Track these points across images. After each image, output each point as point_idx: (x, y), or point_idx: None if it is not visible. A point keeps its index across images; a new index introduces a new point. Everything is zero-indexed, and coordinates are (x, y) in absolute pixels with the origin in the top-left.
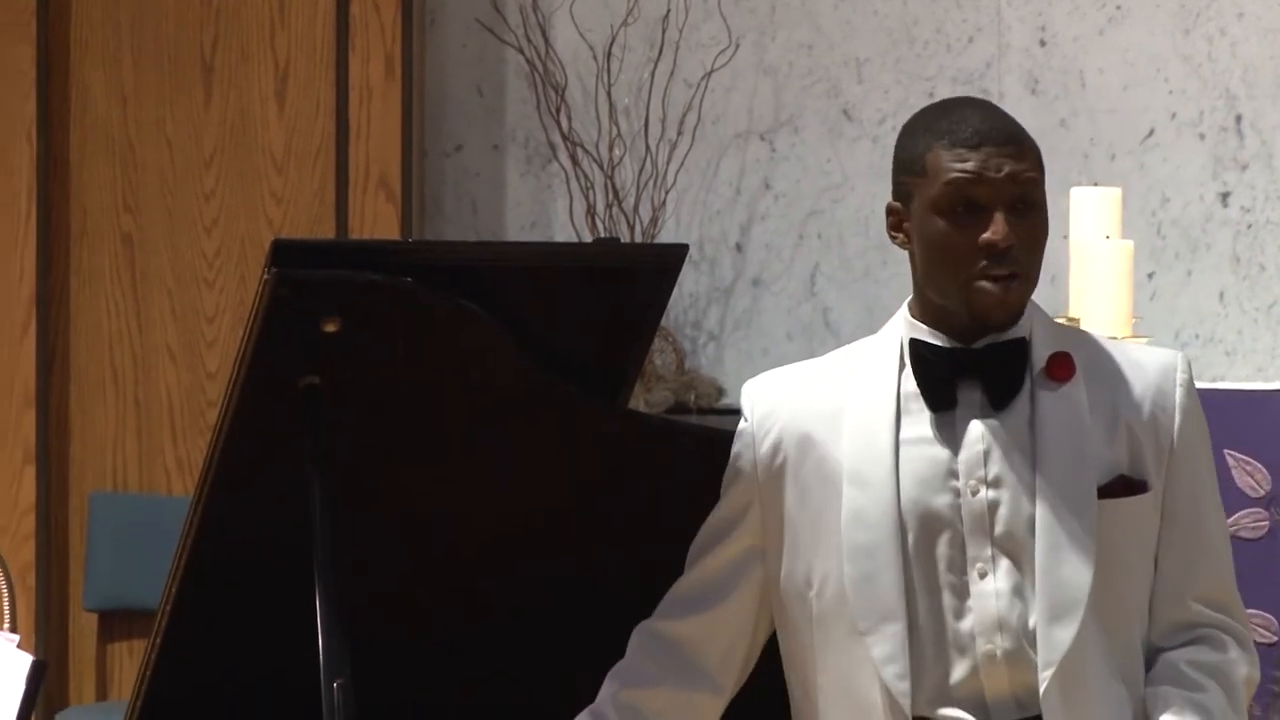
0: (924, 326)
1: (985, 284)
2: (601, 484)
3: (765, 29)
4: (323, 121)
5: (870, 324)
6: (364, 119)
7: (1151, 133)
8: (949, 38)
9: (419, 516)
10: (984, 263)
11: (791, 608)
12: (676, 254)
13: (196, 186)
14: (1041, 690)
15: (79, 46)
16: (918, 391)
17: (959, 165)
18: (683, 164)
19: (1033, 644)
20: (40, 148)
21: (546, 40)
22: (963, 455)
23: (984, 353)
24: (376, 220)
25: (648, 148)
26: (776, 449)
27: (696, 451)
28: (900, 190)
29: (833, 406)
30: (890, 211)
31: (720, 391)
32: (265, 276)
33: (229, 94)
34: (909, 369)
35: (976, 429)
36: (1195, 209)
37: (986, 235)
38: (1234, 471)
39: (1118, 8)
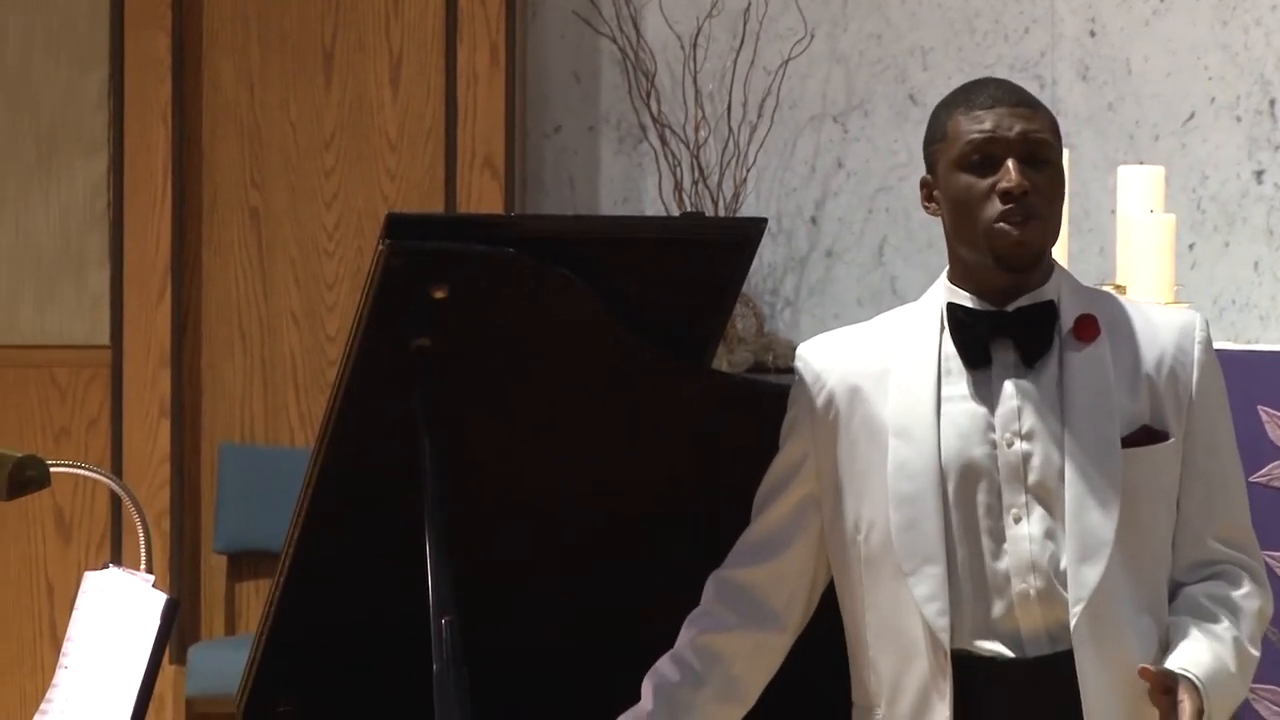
0: (962, 291)
1: (1003, 225)
2: (689, 440)
3: (838, 20)
4: (433, 105)
5: None
6: (471, 103)
7: (1192, 116)
8: (1006, 28)
9: (518, 470)
10: (1002, 208)
11: (843, 551)
12: (756, 227)
13: (317, 164)
14: (1072, 624)
15: (210, 36)
16: (956, 352)
17: (975, 125)
18: (762, 144)
19: (1063, 583)
20: (175, 129)
21: (638, 31)
22: (999, 410)
23: (1015, 315)
24: (482, 196)
25: (730, 129)
26: (829, 405)
27: (775, 407)
28: (929, 160)
29: (879, 366)
30: (923, 184)
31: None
32: (380, 247)
33: (347, 80)
34: (947, 331)
35: (1010, 386)
36: (1232, 186)
37: (1002, 183)
38: (1267, 426)
39: (1161, 1)
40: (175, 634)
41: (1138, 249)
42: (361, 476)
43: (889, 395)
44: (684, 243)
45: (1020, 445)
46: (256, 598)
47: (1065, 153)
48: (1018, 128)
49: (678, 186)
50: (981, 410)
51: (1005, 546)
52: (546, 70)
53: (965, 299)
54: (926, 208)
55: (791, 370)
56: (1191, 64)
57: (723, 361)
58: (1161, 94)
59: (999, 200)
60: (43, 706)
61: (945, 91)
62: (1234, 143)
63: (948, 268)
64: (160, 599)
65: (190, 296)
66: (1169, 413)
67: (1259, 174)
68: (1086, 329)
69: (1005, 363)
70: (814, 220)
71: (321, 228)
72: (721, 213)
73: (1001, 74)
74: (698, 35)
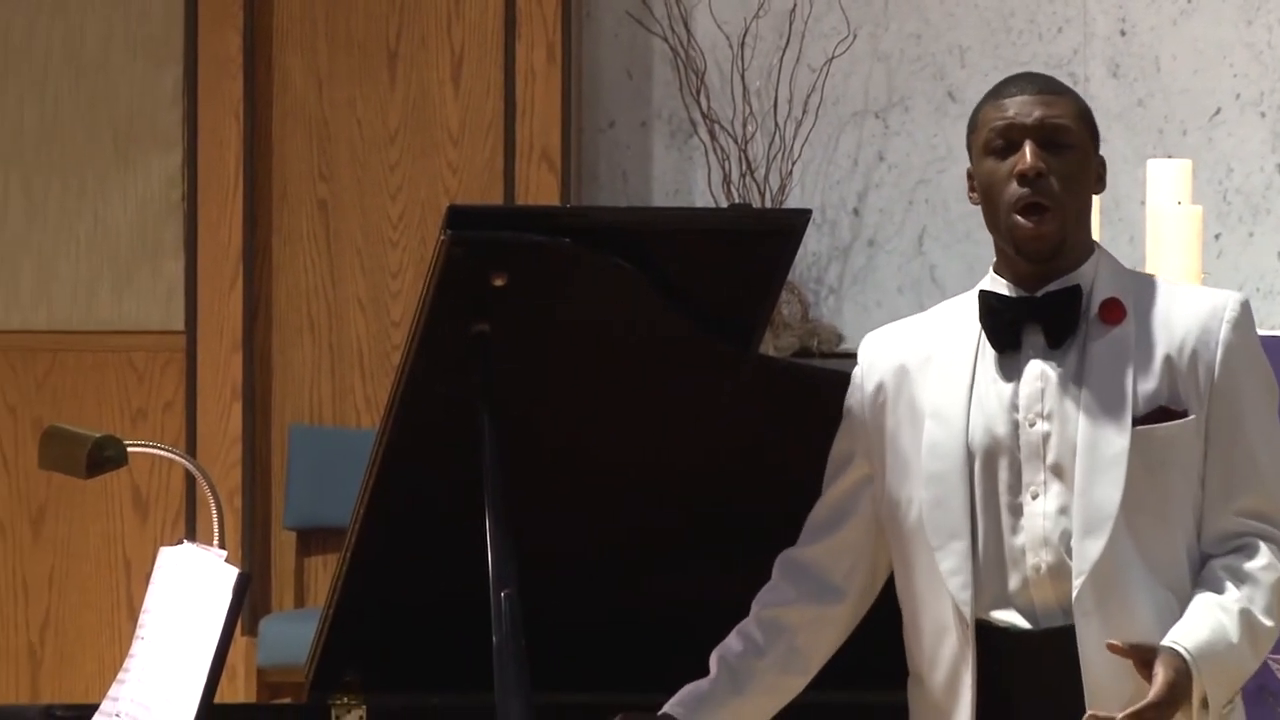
0: (1001, 280)
1: (1019, 218)
2: (738, 423)
3: (879, 21)
4: (493, 101)
5: (970, 279)
6: (529, 99)
7: (1218, 111)
8: (1040, 28)
9: (572, 451)
10: (1020, 191)
11: (888, 528)
12: (801, 218)
13: (382, 158)
14: (1074, 596)
15: (280, 35)
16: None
17: (998, 113)
18: (807, 139)
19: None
20: (246, 125)
21: (688, 30)
22: (1023, 391)
23: (1043, 300)
24: (539, 188)
25: (776, 125)
26: (878, 391)
27: (821, 390)
28: (969, 152)
29: (925, 353)
30: (967, 175)
31: (839, 338)
32: (442, 237)
33: (411, 77)
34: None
35: (1035, 368)
36: (1256, 178)
37: (1018, 166)
38: None
39: (1189, 1)
40: (247, 607)
41: (1166, 239)
42: (424, 456)
43: (929, 379)
44: (732, 233)
45: (1041, 425)
46: (324, 572)
47: None
48: (1037, 113)
49: (726, 179)
50: (1008, 392)
51: (1022, 522)
52: (601, 68)
53: (1002, 287)
54: (970, 198)
55: (834, 355)
56: (1217, 62)
57: (769, 347)
58: (1189, 91)
59: (1016, 182)
60: (120, 675)
61: (982, 88)
62: (1258, 137)
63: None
64: (232, 573)
65: (261, 284)
66: (1190, 392)
67: None
68: (1112, 312)
69: (1034, 346)
70: (856, 211)
71: (386, 218)
72: (768, 204)
73: (1036, 71)
74: (745, 35)
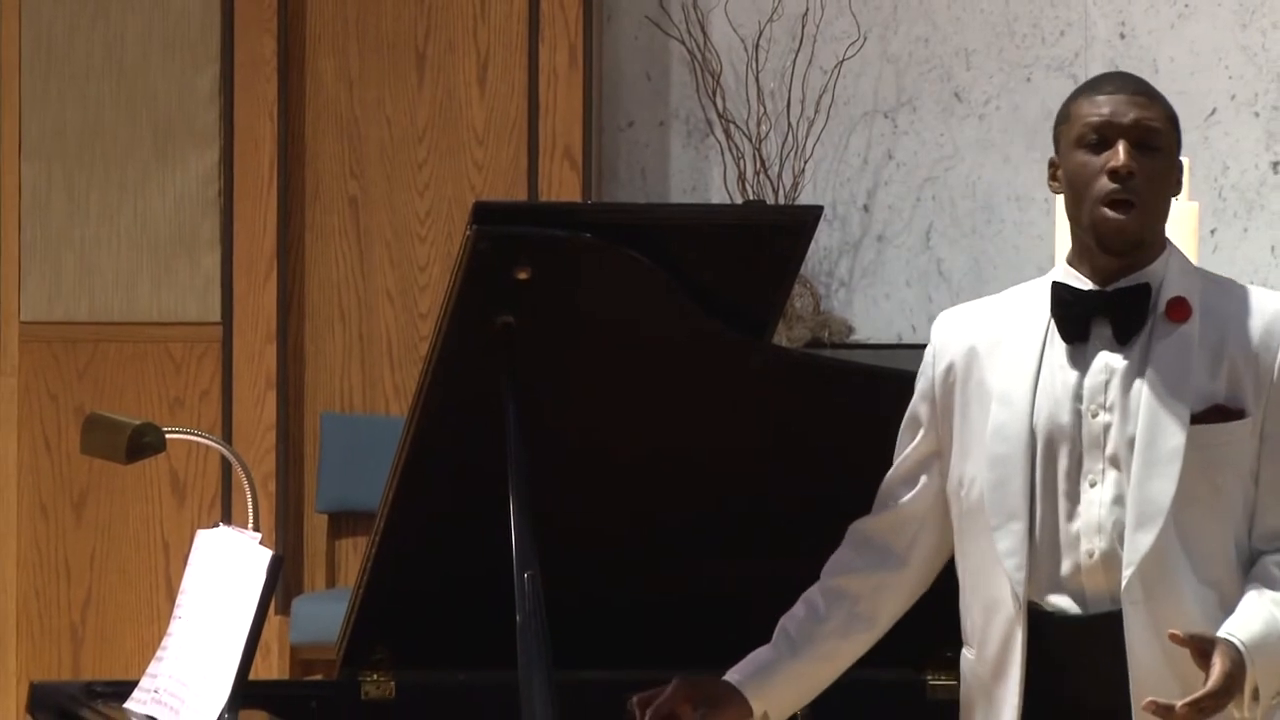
0: (1074, 271)
1: (1106, 210)
2: (753, 411)
3: (889, 24)
4: (517, 102)
5: (976, 272)
6: (552, 100)
7: (1214, 111)
8: (1044, 31)
9: (593, 438)
10: (1110, 187)
11: (952, 504)
12: (813, 214)
13: (411, 156)
14: (1123, 585)
15: (313, 38)
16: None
17: (1094, 109)
18: (819, 138)
19: (1124, 547)
20: (280, 125)
21: (705, 33)
22: (1087, 382)
23: (1114, 295)
24: (561, 186)
25: (789, 124)
26: (949, 371)
27: (831, 380)
28: (1055, 141)
29: (995, 336)
30: (1050, 164)
31: (850, 329)
32: (468, 232)
33: (438, 78)
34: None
35: (1101, 360)
36: (1251, 176)
37: (1111, 162)
38: None
39: (1186, 5)
40: (280, 587)
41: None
42: (450, 442)
43: (998, 362)
44: (747, 228)
45: (1103, 416)
46: (355, 553)
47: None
48: (1133, 114)
49: (741, 177)
50: (1073, 381)
51: (1079, 509)
52: (621, 69)
53: (1075, 279)
54: (1051, 187)
55: (845, 346)
56: (1213, 64)
57: (782, 338)
58: (1186, 91)
59: (1107, 178)
60: (158, 653)
61: (988, 89)
62: (1252, 136)
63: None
64: (266, 555)
65: (294, 277)
66: (1248, 393)
67: (1275, 165)
68: (1178, 310)
69: (1101, 338)
70: (866, 208)
71: (414, 214)
72: (781, 201)
73: (1038, 73)
74: (760, 37)
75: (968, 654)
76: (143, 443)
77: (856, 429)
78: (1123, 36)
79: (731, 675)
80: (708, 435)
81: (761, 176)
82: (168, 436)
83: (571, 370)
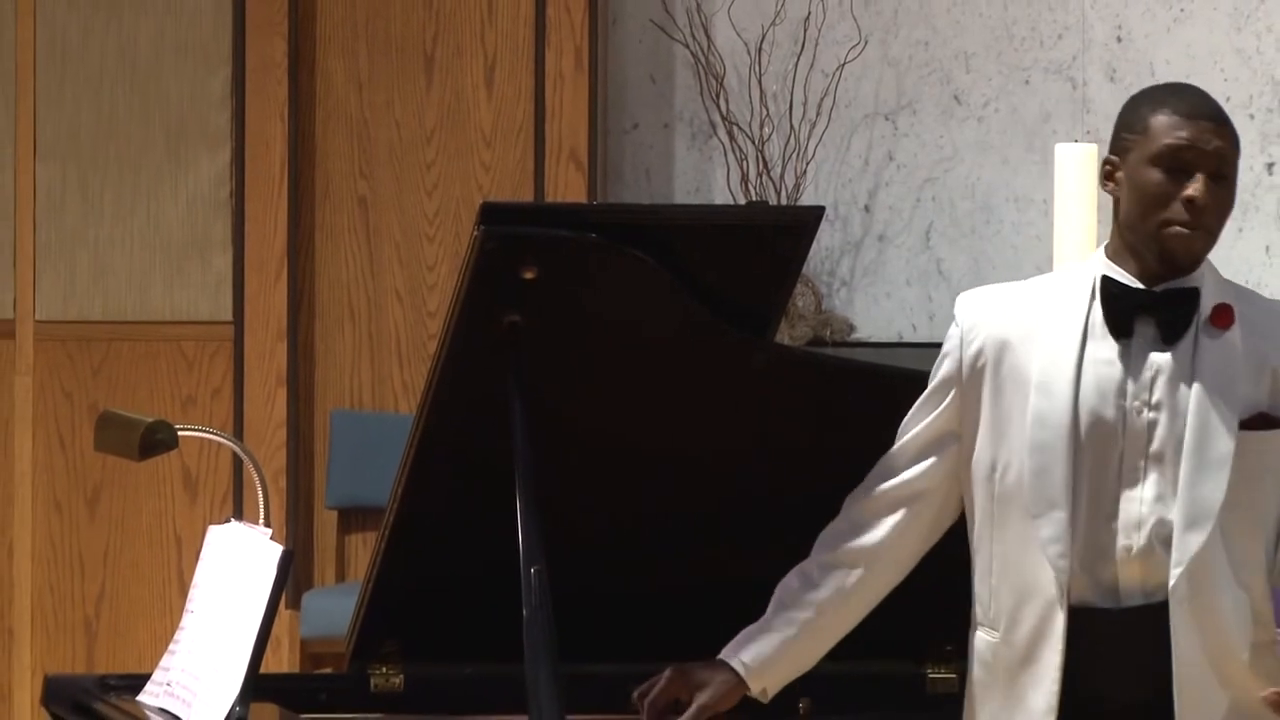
0: (1117, 268)
1: (1179, 229)
2: (756, 408)
3: (889, 28)
4: (524, 104)
5: (975, 271)
6: (558, 102)
7: None
8: (1042, 35)
9: (599, 437)
10: (1184, 216)
11: (977, 488)
12: (814, 214)
13: (419, 158)
14: (1171, 584)
15: (323, 41)
16: (1102, 321)
17: (1177, 131)
18: (820, 140)
19: (1163, 545)
20: (291, 126)
21: (708, 37)
22: (1133, 379)
23: (1161, 295)
24: (567, 187)
25: (791, 126)
26: (979, 354)
27: (833, 378)
28: (1120, 146)
29: (1029, 324)
30: (1106, 163)
31: (851, 327)
32: (476, 233)
33: (446, 81)
34: (1098, 300)
35: (1147, 359)
36: (1245, 176)
37: (1189, 191)
38: None
39: (1181, 9)
40: (290, 581)
41: None
42: (458, 439)
43: (1035, 351)
44: (749, 229)
45: (1148, 414)
46: (364, 548)
47: (1095, 148)
48: (1215, 144)
49: (744, 178)
50: (1118, 376)
51: (1119, 505)
52: (626, 73)
53: (1120, 275)
54: (1104, 185)
55: (846, 344)
56: (1209, 67)
57: (784, 336)
58: None
59: (1181, 206)
60: (171, 647)
61: (987, 91)
62: (1247, 138)
63: (1107, 242)
64: (277, 550)
65: (304, 277)
66: None
67: (1270, 166)
68: (1222, 317)
69: (1145, 337)
70: (867, 208)
71: (423, 214)
72: (783, 202)
73: (1037, 76)
74: (762, 41)
75: (988, 637)
76: (155, 440)
77: (858, 426)
78: (1119, 40)
79: (726, 654)
80: (711, 432)
81: (764, 178)
82: (180, 434)
83: (577, 368)
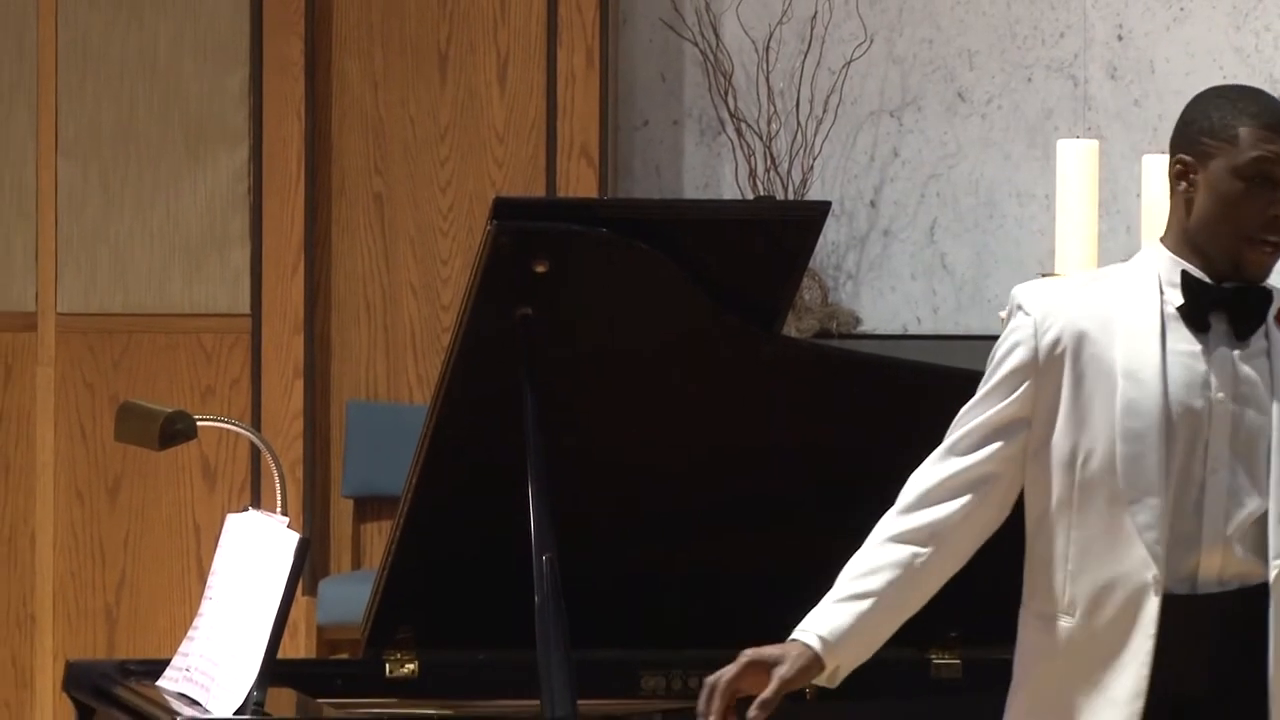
0: (1183, 262)
1: (1264, 247)
2: (762, 398)
3: (894, 26)
4: (536, 102)
5: (979, 265)
6: (569, 100)
7: None
8: (1044, 33)
9: (609, 426)
10: (1268, 232)
11: (1055, 475)
12: (821, 209)
13: (433, 154)
14: (1272, 577)
15: (339, 40)
16: (1175, 313)
17: (1269, 146)
18: (827, 136)
19: (1244, 536)
20: (307, 123)
21: (717, 36)
22: (1215, 371)
23: (1234, 291)
24: (579, 182)
25: (798, 123)
26: (1057, 342)
27: (840, 369)
28: (1199, 150)
29: (1103, 314)
30: (1181, 163)
31: (857, 320)
32: (489, 227)
33: (460, 79)
34: (1167, 293)
35: (1226, 352)
36: None
37: (1277, 210)
38: None
39: (1181, 8)
40: (307, 569)
41: (1160, 228)
42: (471, 429)
43: (1115, 341)
44: (757, 223)
45: (1230, 405)
46: (379, 537)
47: (1096, 144)
48: None
49: (752, 174)
50: (1201, 368)
51: (1203, 494)
52: (636, 71)
53: (1193, 270)
54: (1176, 185)
55: (852, 336)
56: (1208, 65)
57: (791, 329)
58: (1182, 91)
59: (1266, 221)
60: (190, 633)
61: (990, 89)
62: None
63: (1165, 235)
64: (294, 538)
65: (321, 271)
66: None
67: None
68: None
69: (1219, 331)
70: (872, 203)
71: (437, 210)
72: (790, 197)
73: (1039, 73)
74: (770, 39)
75: (1063, 622)
76: (175, 430)
77: (864, 418)
78: (1120, 38)
79: (799, 633)
80: (719, 423)
81: (772, 173)
82: (199, 424)
83: (588, 360)
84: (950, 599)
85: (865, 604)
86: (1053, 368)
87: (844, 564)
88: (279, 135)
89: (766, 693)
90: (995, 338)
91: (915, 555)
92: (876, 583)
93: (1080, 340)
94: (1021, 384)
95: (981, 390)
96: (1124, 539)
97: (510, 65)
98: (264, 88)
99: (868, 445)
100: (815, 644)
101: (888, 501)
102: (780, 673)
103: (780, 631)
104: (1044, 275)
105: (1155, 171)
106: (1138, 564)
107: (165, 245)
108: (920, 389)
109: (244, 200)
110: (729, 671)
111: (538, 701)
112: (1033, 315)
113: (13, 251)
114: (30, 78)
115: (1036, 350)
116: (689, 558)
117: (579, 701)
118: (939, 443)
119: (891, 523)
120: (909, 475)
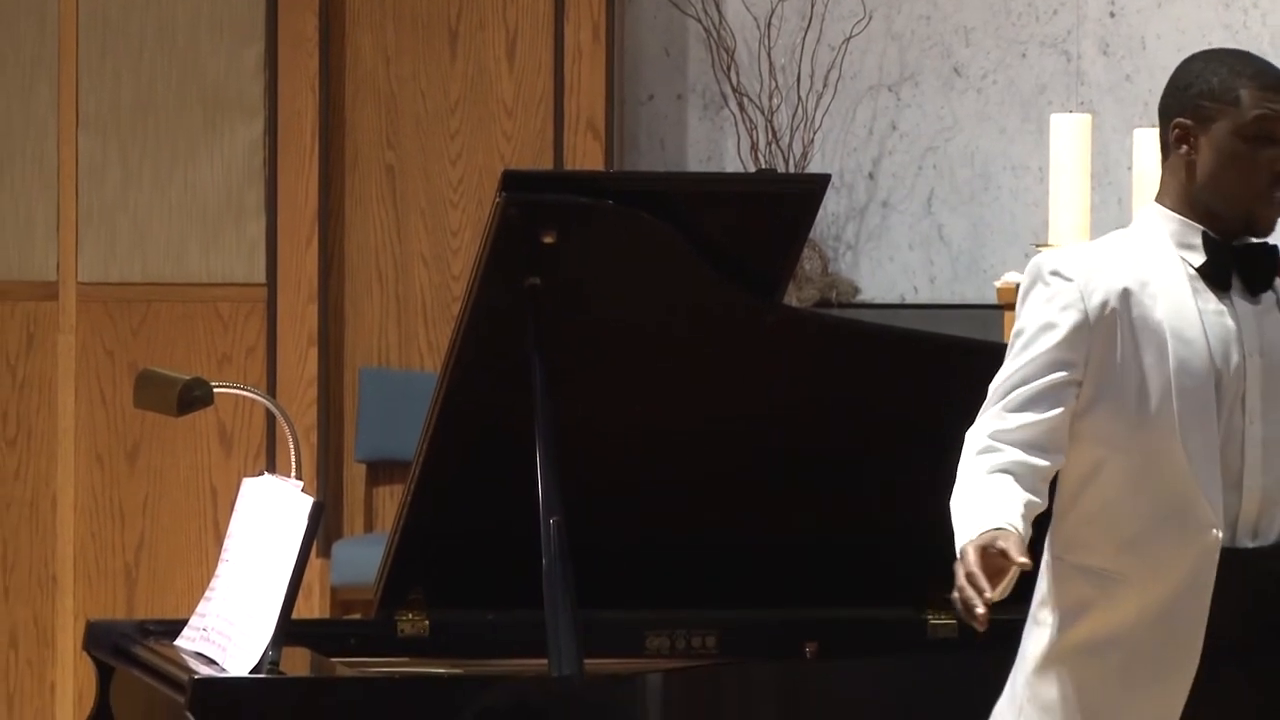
0: (1194, 225)
1: (1275, 202)
2: (764, 366)
3: (893, 4)
4: (544, 77)
5: (975, 236)
6: (576, 75)
7: None
8: (1038, 10)
9: (615, 393)
10: (1275, 186)
11: (1110, 431)
12: (821, 182)
13: (444, 128)
14: None
15: (352, 16)
16: (1195, 272)
17: (1270, 105)
18: (827, 110)
19: (1274, 486)
20: (321, 97)
21: (720, 12)
22: (1244, 326)
23: (1243, 249)
24: (585, 156)
25: (799, 98)
26: (1105, 303)
27: (841, 337)
28: (1200, 113)
29: (1139, 276)
30: (1180, 127)
31: (856, 290)
32: (498, 199)
33: (470, 54)
34: (1183, 253)
35: (1247, 308)
36: None
37: None
38: None
39: None
40: (321, 532)
41: (1150, 200)
42: (481, 396)
43: (1157, 301)
44: (759, 196)
45: (1258, 359)
46: (391, 500)
47: (1089, 118)
48: None
49: (754, 147)
50: (1231, 325)
51: (1244, 447)
52: (641, 46)
53: (1207, 231)
54: (1177, 148)
55: (852, 305)
56: (1198, 41)
57: (792, 298)
58: (1172, 67)
59: (1274, 176)
60: (207, 594)
61: (985, 64)
62: None
63: (1162, 199)
64: (308, 502)
65: (334, 241)
66: None
67: None
68: None
69: (1237, 289)
70: (871, 176)
71: (447, 182)
72: (791, 170)
73: (1033, 49)
74: (772, 16)
75: (1114, 577)
76: (192, 396)
77: (864, 384)
78: (1112, 15)
79: (999, 521)
80: (721, 390)
81: (773, 147)
82: (216, 391)
83: (595, 328)
84: (946, 562)
85: (1027, 496)
86: (1106, 327)
87: (846, 528)
88: (294, 109)
89: (1017, 555)
90: (991, 307)
91: (1018, 475)
92: (1017, 485)
93: (1126, 299)
94: (1077, 348)
95: (1026, 355)
96: (1180, 495)
97: (519, 41)
98: (279, 62)
99: (867, 412)
100: (1017, 525)
101: (887, 465)
102: (1010, 545)
103: (780, 593)
104: (1038, 245)
105: (1146, 145)
106: (1197, 520)
107: (183, 216)
108: (920, 356)
109: (260, 172)
110: (974, 561)
111: (545, 660)
112: (1075, 280)
113: (35, 222)
114: (51, 53)
115: (1086, 312)
116: (692, 522)
117: (585, 660)
118: (939, 408)
119: (989, 457)
120: (907, 440)
